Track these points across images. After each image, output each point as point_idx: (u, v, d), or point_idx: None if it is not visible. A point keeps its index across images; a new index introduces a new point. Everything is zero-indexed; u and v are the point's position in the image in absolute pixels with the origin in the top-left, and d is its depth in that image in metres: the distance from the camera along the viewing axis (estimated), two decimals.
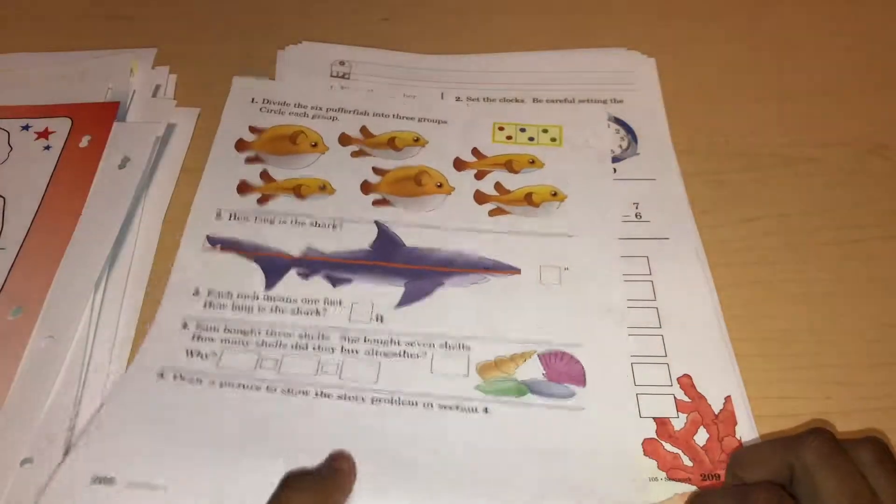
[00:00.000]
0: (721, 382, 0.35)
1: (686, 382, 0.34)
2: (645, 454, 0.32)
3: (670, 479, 0.32)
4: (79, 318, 0.35)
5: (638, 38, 0.50)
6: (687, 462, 0.32)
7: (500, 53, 0.50)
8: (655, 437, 0.33)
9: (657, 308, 0.37)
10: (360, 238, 0.39)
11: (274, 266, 0.38)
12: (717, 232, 0.41)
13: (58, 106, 0.45)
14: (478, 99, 0.47)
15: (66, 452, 0.31)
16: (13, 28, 0.51)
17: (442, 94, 0.47)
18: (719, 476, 0.32)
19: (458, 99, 0.47)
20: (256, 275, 0.37)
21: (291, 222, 0.40)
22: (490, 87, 0.48)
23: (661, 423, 0.33)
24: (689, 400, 0.34)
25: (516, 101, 0.47)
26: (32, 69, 0.47)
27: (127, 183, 0.40)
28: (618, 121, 0.46)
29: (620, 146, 0.45)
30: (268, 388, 0.33)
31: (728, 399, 0.34)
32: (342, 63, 0.48)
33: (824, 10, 0.53)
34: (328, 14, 0.52)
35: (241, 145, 0.43)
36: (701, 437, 0.33)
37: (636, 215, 0.41)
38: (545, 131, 0.44)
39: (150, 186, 0.42)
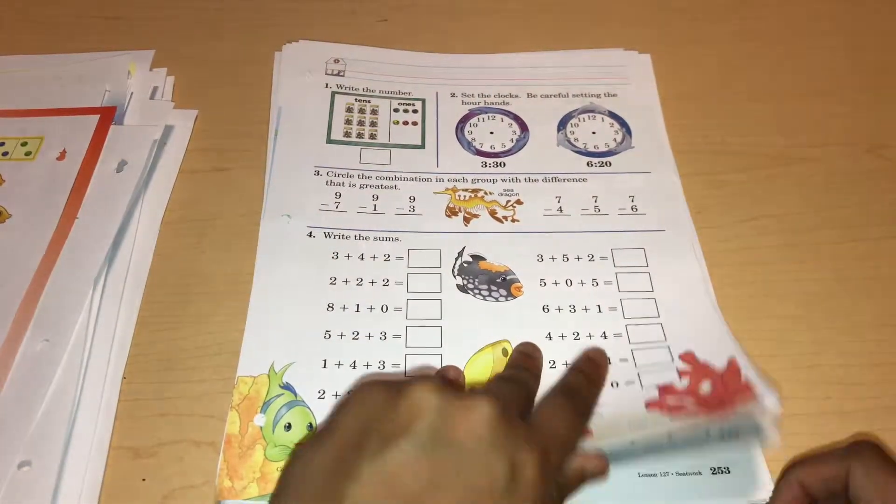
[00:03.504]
0: (721, 351, 0.34)
1: (689, 357, 0.34)
2: (647, 409, 0.32)
3: (672, 415, 0.31)
4: (74, 322, 0.35)
5: (636, 39, 0.50)
6: (692, 408, 0.32)
7: (496, 54, 0.50)
8: (657, 397, 0.33)
9: (655, 299, 0.37)
10: None
11: None
12: (715, 232, 0.41)
13: (55, 109, 0.45)
14: (472, 94, 0.47)
15: (64, 454, 0.31)
16: (10, 30, 0.51)
17: (437, 91, 0.47)
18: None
19: (452, 95, 0.47)
20: None
21: None
22: (484, 83, 0.48)
23: (664, 389, 0.33)
24: (692, 366, 0.34)
25: (511, 95, 0.47)
26: (29, 71, 0.47)
27: (124, 187, 0.40)
28: (612, 114, 0.46)
29: (615, 140, 0.45)
30: None
31: (732, 361, 0.33)
32: (336, 61, 0.48)
33: (823, 10, 0.53)
34: (326, 15, 0.52)
35: None
36: (705, 387, 0.33)
37: (632, 208, 0.41)
38: (24, 144, 0.42)
39: (148, 188, 0.42)
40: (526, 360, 0.34)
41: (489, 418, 0.25)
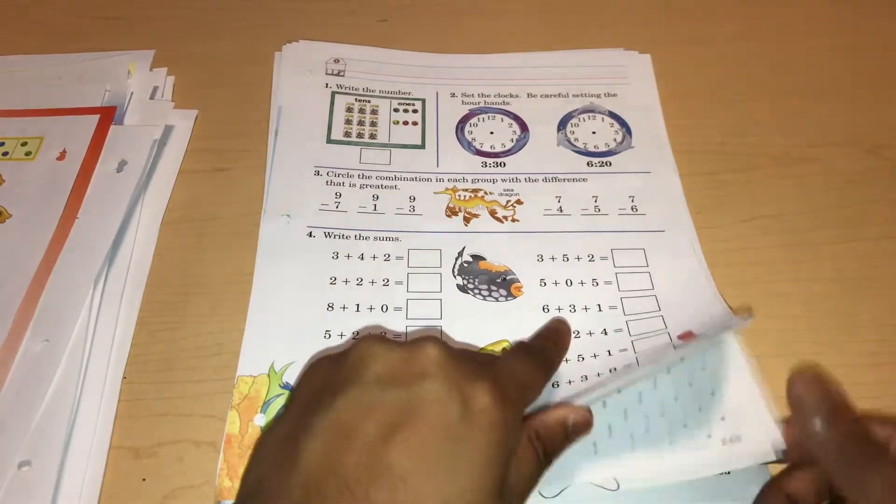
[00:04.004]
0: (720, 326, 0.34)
1: (686, 336, 0.35)
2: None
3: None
4: (74, 322, 0.35)
5: (636, 40, 0.50)
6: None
7: (496, 54, 0.50)
8: None
9: (655, 296, 0.38)
10: None
11: None
12: (715, 232, 0.41)
13: (55, 109, 0.45)
14: (472, 94, 0.47)
15: (64, 454, 0.31)
16: (10, 30, 0.51)
17: (437, 91, 0.47)
18: None
19: (452, 95, 0.47)
20: None
21: None
22: (484, 83, 0.48)
23: None
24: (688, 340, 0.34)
25: (511, 95, 0.47)
26: (29, 71, 0.47)
27: (124, 187, 0.40)
28: (612, 114, 0.46)
29: (615, 140, 0.45)
30: None
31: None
32: (336, 61, 0.48)
33: (822, 10, 0.54)
34: (326, 15, 0.52)
35: None
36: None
37: (632, 208, 0.41)
38: (24, 144, 0.41)
39: (148, 188, 0.42)
40: None
41: (434, 357, 0.25)
